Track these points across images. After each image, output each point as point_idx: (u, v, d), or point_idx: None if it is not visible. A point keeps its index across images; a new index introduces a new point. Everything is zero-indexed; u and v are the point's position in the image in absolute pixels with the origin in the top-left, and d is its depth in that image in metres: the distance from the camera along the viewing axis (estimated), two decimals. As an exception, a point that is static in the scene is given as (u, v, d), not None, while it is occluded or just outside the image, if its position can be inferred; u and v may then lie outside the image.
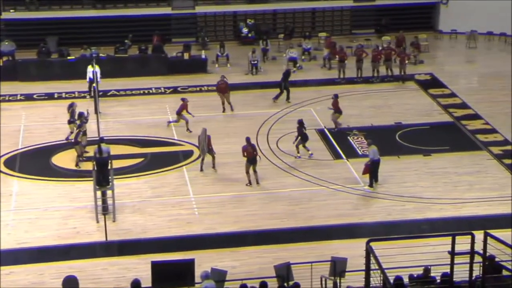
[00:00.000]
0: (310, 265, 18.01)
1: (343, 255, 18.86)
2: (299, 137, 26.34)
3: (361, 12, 41.19)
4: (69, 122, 27.50)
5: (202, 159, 25.47)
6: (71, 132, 27.12)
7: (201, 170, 25.42)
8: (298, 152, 26.35)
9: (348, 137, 28.10)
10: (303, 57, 36.89)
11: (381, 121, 29.62)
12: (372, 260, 13.04)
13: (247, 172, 24.51)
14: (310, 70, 35.33)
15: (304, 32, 39.63)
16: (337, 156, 26.81)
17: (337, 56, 34.69)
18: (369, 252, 13.07)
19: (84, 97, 31.87)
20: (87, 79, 31.55)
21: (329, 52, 35.79)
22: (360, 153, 26.86)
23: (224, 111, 30.22)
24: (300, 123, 26.39)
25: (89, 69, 31.30)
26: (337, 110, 28.56)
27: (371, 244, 13.15)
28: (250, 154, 24.41)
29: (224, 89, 30.32)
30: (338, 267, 17.95)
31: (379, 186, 24.51)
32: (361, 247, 14.26)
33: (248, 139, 24.66)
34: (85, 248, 21.17)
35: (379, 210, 23.27)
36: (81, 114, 26.56)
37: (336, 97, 28.55)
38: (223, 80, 30.51)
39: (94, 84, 29.91)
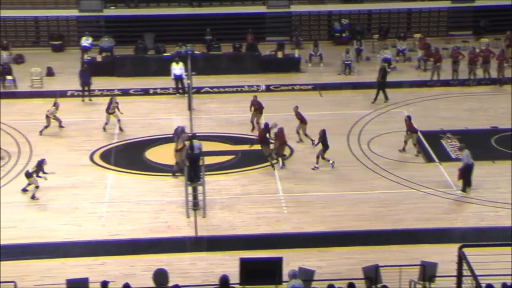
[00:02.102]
0: (399, 268, 17.78)
1: (433, 259, 18.55)
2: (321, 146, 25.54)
3: (458, 13, 40.34)
4: (107, 111, 28.61)
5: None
6: (106, 123, 28.48)
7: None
8: (318, 163, 25.47)
9: (441, 140, 27.57)
10: (397, 58, 36.43)
11: (476, 125, 28.96)
12: (464, 266, 12.79)
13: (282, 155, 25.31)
14: (404, 71, 34.87)
15: (399, 32, 39.10)
16: (429, 159, 26.37)
17: (431, 58, 34.11)
18: (461, 257, 12.82)
19: (175, 94, 32.39)
20: (172, 76, 32.07)
21: (424, 53, 35.23)
22: (452, 156, 26.34)
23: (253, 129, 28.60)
24: (323, 133, 25.42)
25: (173, 66, 31.92)
26: (412, 131, 26.62)
27: (464, 249, 12.90)
28: (282, 139, 25.30)
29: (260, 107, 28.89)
30: (427, 272, 17.70)
31: (472, 191, 23.98)
32: (451, 252, 14.03)
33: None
34: (175, 242, 21.52)
35: (471, 215, 22.79)
36: (179, 128, 26.89)
37: (409, 118, 26.71)
38: (257, 101, 28.94)
39: (188, 81, 30.49)
